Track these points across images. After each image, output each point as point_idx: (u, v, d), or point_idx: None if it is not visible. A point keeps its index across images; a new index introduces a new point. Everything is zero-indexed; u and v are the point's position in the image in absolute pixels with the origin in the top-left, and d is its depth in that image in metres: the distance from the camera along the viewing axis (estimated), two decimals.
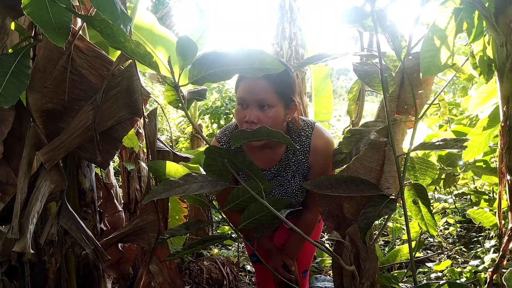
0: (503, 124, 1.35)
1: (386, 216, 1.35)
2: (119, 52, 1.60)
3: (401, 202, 1.34)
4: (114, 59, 1.51)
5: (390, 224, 3.26)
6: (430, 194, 3.30)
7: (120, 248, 1.84)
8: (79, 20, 1.58)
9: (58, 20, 1.12)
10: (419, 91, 1.41)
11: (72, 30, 1.35)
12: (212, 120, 6.10)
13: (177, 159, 1.70)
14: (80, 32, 1.47)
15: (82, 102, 1.48)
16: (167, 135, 6.66)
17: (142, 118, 1.60)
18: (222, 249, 3.60)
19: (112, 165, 2.23)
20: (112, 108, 1.47)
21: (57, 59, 1.41)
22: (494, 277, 1.40)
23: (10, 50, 1.48)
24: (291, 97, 1.50)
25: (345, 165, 1.41)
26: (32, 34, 1.51)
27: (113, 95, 1.47)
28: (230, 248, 3.67)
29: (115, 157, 2.75)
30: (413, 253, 1.43)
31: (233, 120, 6.06)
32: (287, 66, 1.41)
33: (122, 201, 2.71)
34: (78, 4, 1.59)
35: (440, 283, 1.14)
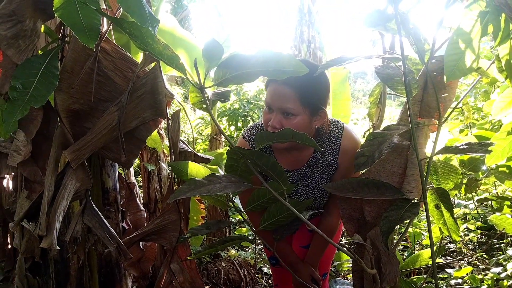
0: None
1: (408, 221, 1.34)
2: (141, 54, 1.63)
3: (423, 206, 1.33)
4: (138, 61, 1.54)
5: (409, 229, 3.22)
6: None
7: (141, 247, 1.87)
8: (105, 23, 1.61)
9: (88, 22, 1.15)
10: (443, 95, 1.40)
11: None
12: (230, 123, 6.15)
13: (198, 160, 1.72)
14: (106, 35, 1.51)
15: (107, 103, 1.51)
16: (185, 137, 6.71)
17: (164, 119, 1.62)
18: (239, 250, 3.61)
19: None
20: (137, 109, 1.50)
21: (84, 60, 1.44)
22: None
23: (39, 52, 1.52)
24: (319, 105, 1.48)
25: (367, 168, 1.40)
26: (60, 36, 1.55)
27: (138, 96, 1.49)
28: (247, 249, 3.67)
29: None
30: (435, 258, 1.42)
31: (251, 122, 6.10)
32: (316, 68, 1.28)
33: (142, 201, 2.74)
34: (105, 7, 1.62)
35: None
